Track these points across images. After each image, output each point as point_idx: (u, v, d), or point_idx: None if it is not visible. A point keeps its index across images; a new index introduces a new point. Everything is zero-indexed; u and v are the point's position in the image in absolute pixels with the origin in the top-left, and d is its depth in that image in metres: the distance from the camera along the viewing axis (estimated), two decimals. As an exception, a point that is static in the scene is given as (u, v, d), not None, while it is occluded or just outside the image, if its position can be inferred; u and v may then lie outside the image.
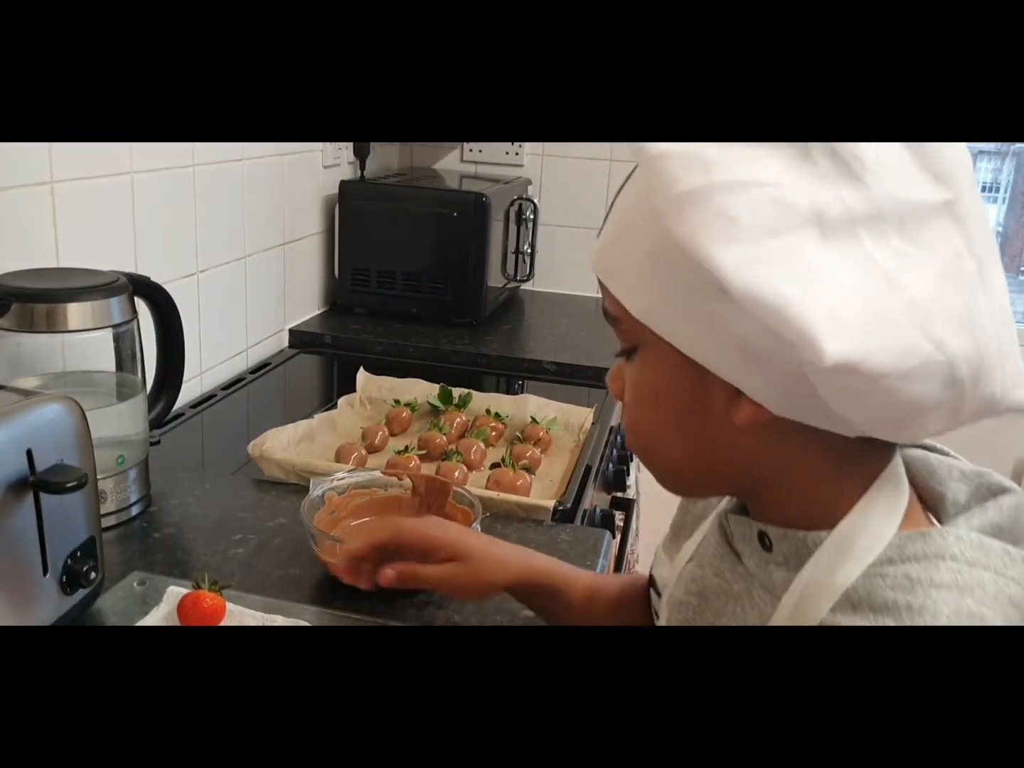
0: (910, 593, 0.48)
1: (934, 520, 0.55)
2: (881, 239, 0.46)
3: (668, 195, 0.47)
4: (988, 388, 0.48)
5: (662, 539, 0.73)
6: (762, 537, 0.56)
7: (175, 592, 0.86)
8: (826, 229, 0.46)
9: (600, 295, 0.57)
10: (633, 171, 0.53)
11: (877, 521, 0.52)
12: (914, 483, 0.57)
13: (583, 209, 2.20)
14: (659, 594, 0.71)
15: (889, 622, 0.48)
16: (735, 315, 0.46)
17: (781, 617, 0.54)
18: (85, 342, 0.98)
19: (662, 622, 0.66)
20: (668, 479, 0.59)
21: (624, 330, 0.54)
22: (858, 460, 0.53)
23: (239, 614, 0.84)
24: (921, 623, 0.47)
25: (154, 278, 1.07)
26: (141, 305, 1.05)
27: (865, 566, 0.51)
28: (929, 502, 0.56)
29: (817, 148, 0.46)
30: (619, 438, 1.57)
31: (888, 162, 0.46)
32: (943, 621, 0.47)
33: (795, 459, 0.53)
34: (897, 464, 0.54)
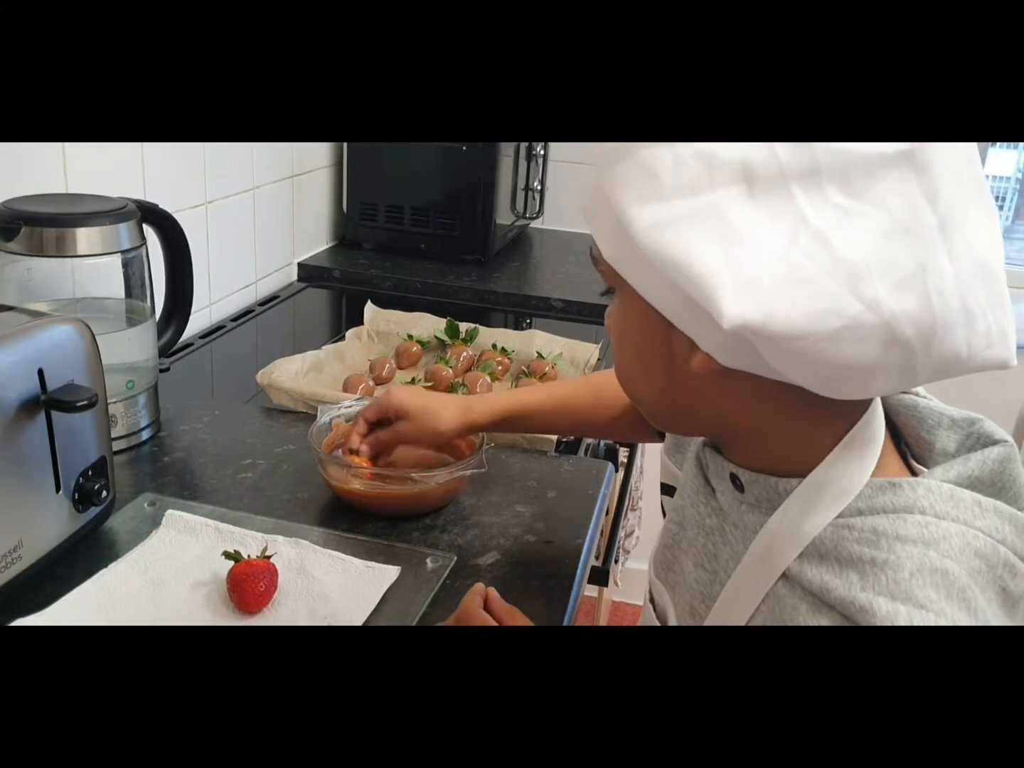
0: (875, 547, 0.48)
1: (919, 468, 0.55)
2: (817, 194, 0.44)
3: (604, 147, 0.50)
4: (948, 348, 0.46)
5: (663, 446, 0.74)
6: (734, 478, 0.57)
7: (174, 516, 0.88)
8: (755, 186, 0.44)
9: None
10: None
11: (848, 471, 0.52)
12: (904, 432, 0.56)
13: (594, 147, 2.17)
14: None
15: (854, 576, 0.48)
16: (652, 273, 0.47)
17: (751, 560, 0.54)
18: (95, 267, 0.99)
19: (657, 544, 0.68)
20: (649, 415, 0.60)
21: (602, 271, 0.55)
22: (832, 410, 0.51)
23: (240, 535, 0.86)
24: (884, 578, 0.47)
25: (162, 207, 1.07)
26: (150, 234, 1.05)
27: (833, 516, 0.51)
28: (918, 452, 0.56)
29: None
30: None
31: None
32: (905, 575, 0.47)
33: (765, 409, 0.53)
34: (874, 413, 0.53)
